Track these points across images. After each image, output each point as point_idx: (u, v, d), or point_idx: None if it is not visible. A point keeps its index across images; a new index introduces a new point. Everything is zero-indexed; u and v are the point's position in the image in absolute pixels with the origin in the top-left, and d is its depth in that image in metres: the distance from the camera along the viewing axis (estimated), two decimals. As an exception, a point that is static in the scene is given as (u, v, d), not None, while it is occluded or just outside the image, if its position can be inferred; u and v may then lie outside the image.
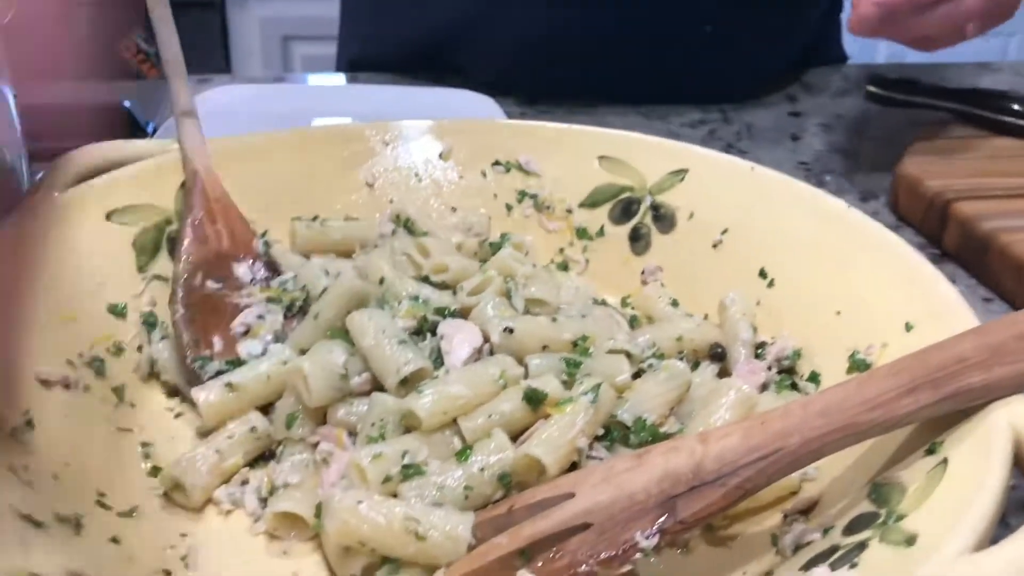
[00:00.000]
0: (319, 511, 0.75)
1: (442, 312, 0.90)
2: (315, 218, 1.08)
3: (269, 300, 0.95)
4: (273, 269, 0.99)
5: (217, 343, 0.91)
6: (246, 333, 0.92)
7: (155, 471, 0.82)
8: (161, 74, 1.09)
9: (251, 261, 0.98)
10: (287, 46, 3.71)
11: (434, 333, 0.88)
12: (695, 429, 0.80)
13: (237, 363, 0.88)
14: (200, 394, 0.84)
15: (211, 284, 0.94)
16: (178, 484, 0.79)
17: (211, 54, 3.60)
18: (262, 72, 3.72)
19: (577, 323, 0.90)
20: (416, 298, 0.92)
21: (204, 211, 0.98)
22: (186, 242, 0.96)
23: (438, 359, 0.86)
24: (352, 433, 0.82)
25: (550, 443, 0.75)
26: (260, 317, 0.93)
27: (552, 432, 0.76)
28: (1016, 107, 1.40)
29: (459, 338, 0.86)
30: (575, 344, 0.87)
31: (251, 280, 0.96)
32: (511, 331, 0.86)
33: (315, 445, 0.82)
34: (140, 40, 3.46)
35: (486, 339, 0.87)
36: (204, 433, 0.86)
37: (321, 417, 0.84)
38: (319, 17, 3.60)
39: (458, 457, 0.76)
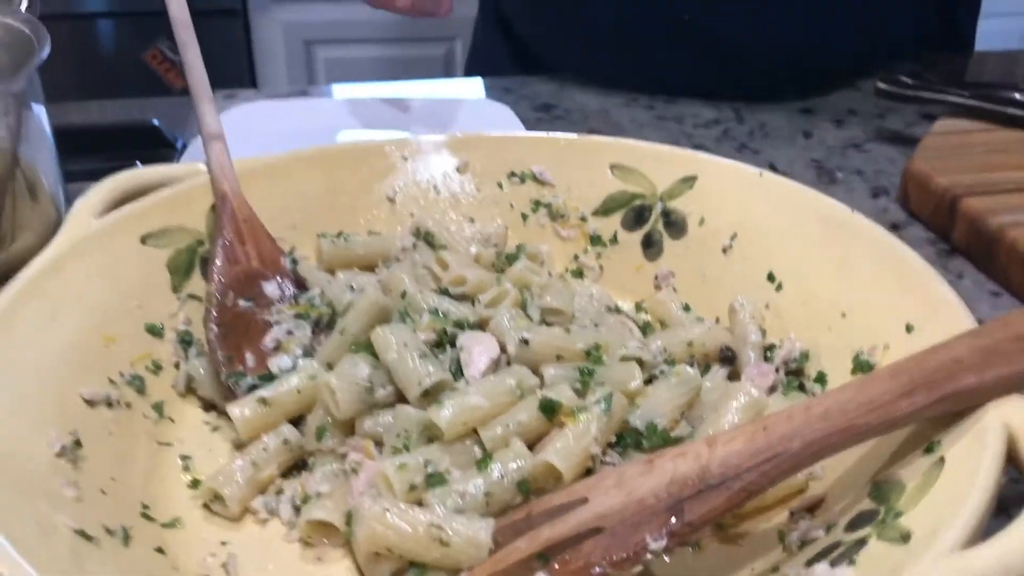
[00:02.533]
0: (349, 519, 0.80)
1: (461, 324, 0.94)
2: (339, 234, 1.13)
3: (297, 316, 0.99)
4: (300, 285, 1.04)
5: (250, 359, 0.95)
6: (276, 348, 0.96)
7: (195, 483, 0.87)
8: (186, 84, 1.13)
9: (279, 278, 1.02)
10: (310, 50, 3.76)
11: (454, 345, 0.93)
12: (705, 433, 0.84)
13: (269, 378, 0.93)
14: (236, 410, 0.89)
15: (242, 303, 0.99)
16: (217, 495, 0.84)
17: (235, 61, 3.66)
18: (287, 77, 3.77)
19: (590, 333, 0.94)
20: (436, 311, 0.96)
21: (233, 232, 1.03)
22: (217, 263, 1.00)
23: (458, 370, 0.90)
24: (379, 444, 0.86)
25: (565, 451, 0.80)
26: (289, 333, 0.97)
27: (567, 440, 0.80)
28: (1019, 97, 1.42)
29: (478, 350, 0.90)
30: (588, 353, 0.91)
31: (280, 297, 1.01)
32: (527, 342, 0.90)
33: (344, 456, 0.87)
34: (165, 49, 3.54)
35: (503, 350, 0.92)
36: (240, 445, 0.91)
37: (349, 429, 0.89)
38: (340, 21, 3.66)
39: (479, 466, 0.80)
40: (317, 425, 0.88)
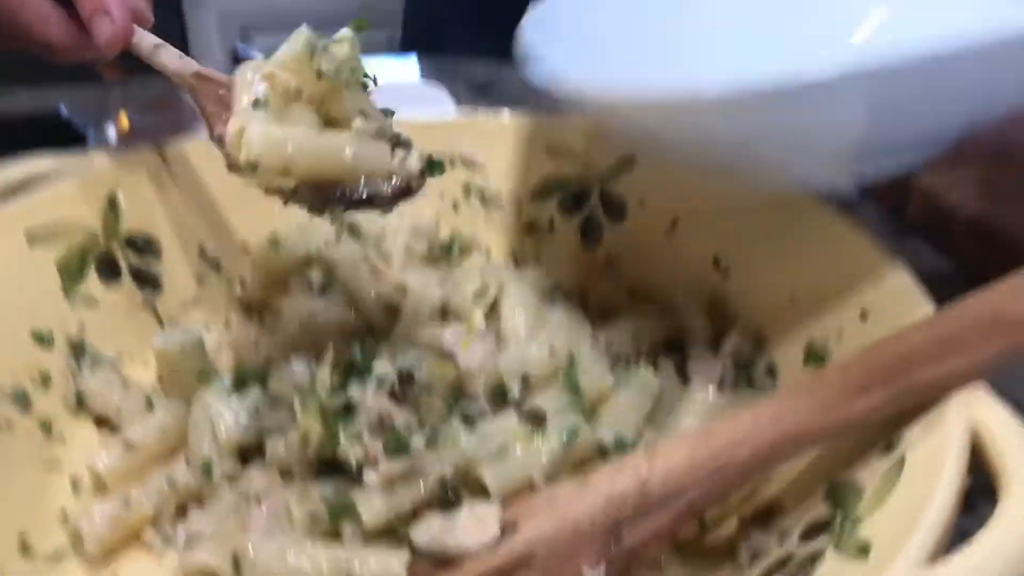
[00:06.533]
0: (237, 562, 0.69)
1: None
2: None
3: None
4: None
5: None
6: None
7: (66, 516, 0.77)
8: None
9: None
10: (246, 37, 3.64)
11: None
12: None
13: None
14: (100, 463, 0.79)
15: None
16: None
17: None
18: (223, 65, 3.64)
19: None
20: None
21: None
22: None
23: None
24: (285, 473, 0.76)
25: (504, 472, 0.70)
26: None
27: (511, 462, 0.71)
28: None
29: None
30: None
31: None
32: None
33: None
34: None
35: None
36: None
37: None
38: (276, 6, 3.53)
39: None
40: (202, 460, 0.78)
